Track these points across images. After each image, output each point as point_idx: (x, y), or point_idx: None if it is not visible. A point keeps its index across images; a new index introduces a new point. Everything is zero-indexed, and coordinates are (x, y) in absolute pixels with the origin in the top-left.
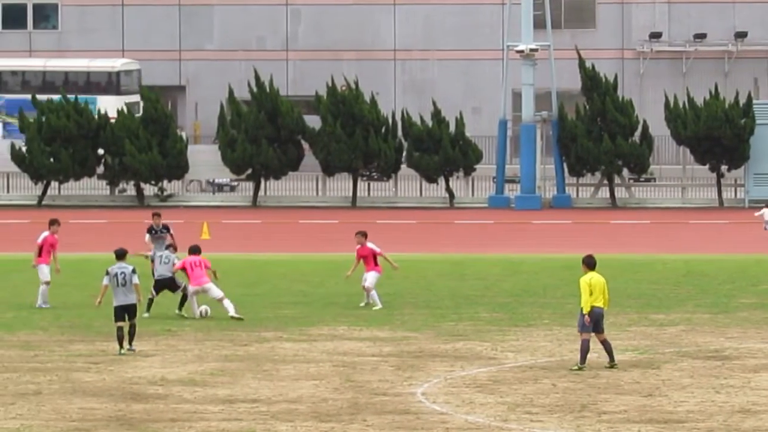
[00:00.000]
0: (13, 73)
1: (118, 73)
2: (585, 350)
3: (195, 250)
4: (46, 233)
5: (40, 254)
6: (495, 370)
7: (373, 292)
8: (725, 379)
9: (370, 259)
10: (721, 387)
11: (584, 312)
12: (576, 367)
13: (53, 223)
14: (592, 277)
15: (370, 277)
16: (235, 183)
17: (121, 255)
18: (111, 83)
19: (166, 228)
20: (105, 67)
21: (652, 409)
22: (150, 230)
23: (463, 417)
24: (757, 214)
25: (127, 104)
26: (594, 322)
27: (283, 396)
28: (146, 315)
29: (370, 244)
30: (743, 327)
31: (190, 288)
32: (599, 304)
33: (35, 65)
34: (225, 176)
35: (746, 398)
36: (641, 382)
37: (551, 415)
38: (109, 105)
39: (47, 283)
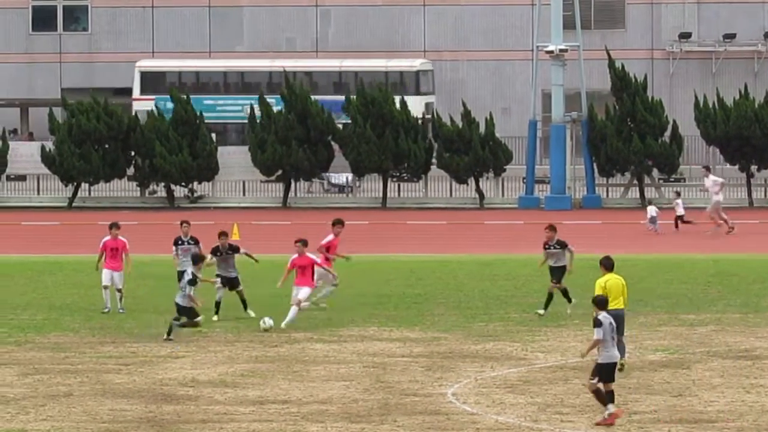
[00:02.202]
0: (306, 73)
1: (417, 73)
2: None
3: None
4: (106, 238)
5: (102, 258)
6: (525, 371)
7: (305, 303)
8: (755, 378)
9: (308, 271)
10: (751, 387)
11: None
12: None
13: (111, 227)
14: (608, 280)
15: (304, 293)
16: (356, 184)
17: (194, 261)
18: (410, 83)
19: (195, 240)
20: (404, 66)
21: (682, 409)
22: (177, 242)
23: (494, 417)
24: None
25: (426, 104)
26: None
27: (314, 397)
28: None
29: (311, 255)
30: None
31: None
32: (618, 306)
33: (330, 66)
34: (258, 177)
35: None
36: (671, 382)
37: (582, 416)
38: (409, 105)
39: (105, 287)
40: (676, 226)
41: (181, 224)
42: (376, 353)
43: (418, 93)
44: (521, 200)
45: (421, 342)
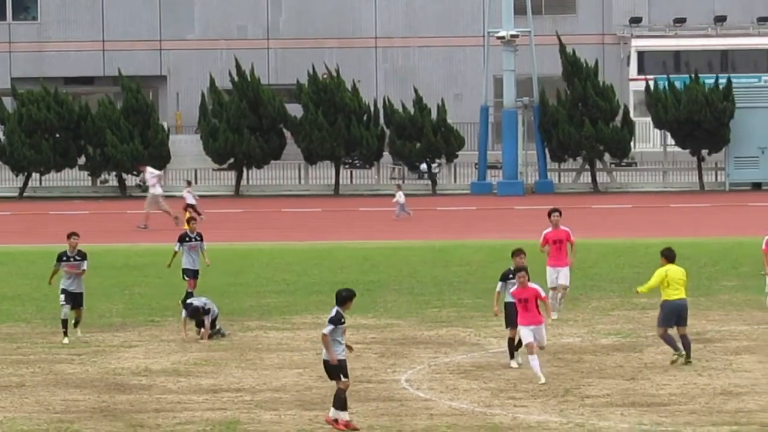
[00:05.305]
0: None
1: None
2: (669, 342)
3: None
4: None
5: None
6: (479, 356)
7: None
8: (707, 361)
9: (531, 304)
10: (703, 369)
11: (638, 290)
12: (675, 357)
13: None
14: (669, 269)
15: (540, 333)
16: (437, 170)
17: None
18: None
19: (201, 236)
20: None
21: (635, 392)
22: (184, 239)
23: (447, 403)
24: (394, 200)
25: None
26: (677, 315)
27: (267, 385)
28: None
29: (534, 285)
30: (725, 309)
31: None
32: (680, 295)
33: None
34: (210, 165)
35: (728, 380)
36: (624, 366)
37: (535, 400)
38: None
39: None
40: (199, 214)
41: (188, 221)
42: None
43: None
44: (473, 186)
45: (375, 328)
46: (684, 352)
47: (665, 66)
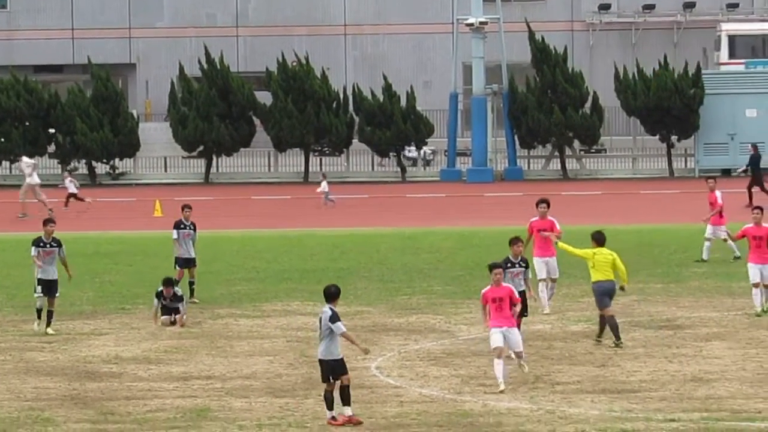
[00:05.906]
0: None
1: None
2: (609, 326)
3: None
4: None
5: None
6: (449, 343)
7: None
8: (677, 348)
9: (506, 304)
10: (673, 356)
11: (559, 243)
12: (613, 344)
13: None
14: (598, 252)
15: (516, 340)
16: (431, 156)
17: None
18: None
19: (194, 226)
20: None
21: (605, 379)
22: (179, 226)
23: (418, 390)
24: (318, 190)
25: None
26: (608, 296)
27: (238, 372)
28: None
29: (508, 284)
30: (695, 296)
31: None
32: (608, 277)
33: None
34: (180, 153)
35: (698, 367)
36: (594, 353)
37: (505, 387)
38: None
39: None
40: (66, 204)
41: (183, 208)
42: (300, 328)
43: None
44: (443, 173)
45: (345, 316)
46: (617, 342)
47: (754, 50)
